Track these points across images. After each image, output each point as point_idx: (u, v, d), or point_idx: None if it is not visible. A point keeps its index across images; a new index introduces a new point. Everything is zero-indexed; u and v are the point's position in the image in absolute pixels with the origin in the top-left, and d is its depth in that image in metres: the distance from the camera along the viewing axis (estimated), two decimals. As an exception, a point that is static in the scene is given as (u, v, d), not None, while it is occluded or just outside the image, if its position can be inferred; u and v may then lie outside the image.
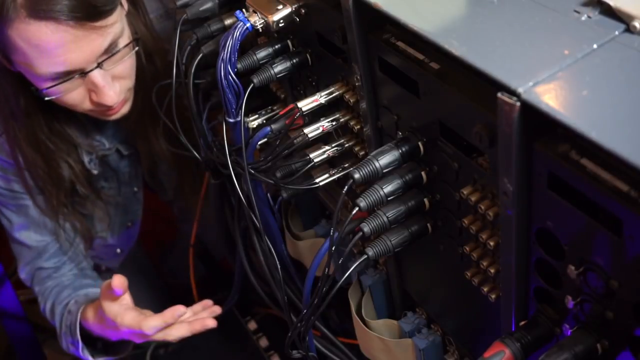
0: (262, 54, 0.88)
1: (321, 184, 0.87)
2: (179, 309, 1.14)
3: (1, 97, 1.14)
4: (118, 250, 1.54)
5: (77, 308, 1.25)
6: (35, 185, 1.24)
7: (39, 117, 1.17)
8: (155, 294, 1.74)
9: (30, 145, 1.18)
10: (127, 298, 1.15)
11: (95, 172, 1.30)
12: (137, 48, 1.11)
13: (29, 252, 1.35)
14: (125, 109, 1.15)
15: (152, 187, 1.52)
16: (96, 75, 1.04)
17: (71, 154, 1.25)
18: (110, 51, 1.04)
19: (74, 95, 1.07)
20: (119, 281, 1.09)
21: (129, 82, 1.13)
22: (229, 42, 0.83)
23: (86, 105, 1.10)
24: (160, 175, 1.47)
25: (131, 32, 1.11)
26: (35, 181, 1.24)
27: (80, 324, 1.24)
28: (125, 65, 1.09)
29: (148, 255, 1.79)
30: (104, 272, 1.58)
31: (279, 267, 1.00)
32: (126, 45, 1.07)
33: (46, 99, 1.07)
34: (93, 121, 1.26)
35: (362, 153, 0.85)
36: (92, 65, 1.03)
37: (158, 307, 1.72)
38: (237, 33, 0.83)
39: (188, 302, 1.54)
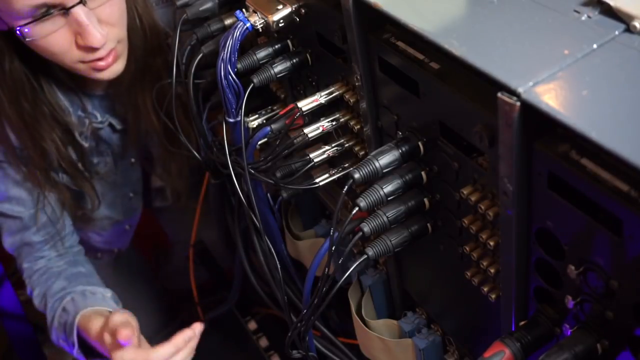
0: (262, 54, 0.88)
1: (321, 184, 0.87)
2: (188, 332, 1.12)
3: None
4: (127, 227, 1.52)
5: (74, 309, 1.21)
6: (20, 154, 1.20)
7: (24, 84, 1.12)
8: (155, 295, 1.74)
9: (15, 112, 1.13)
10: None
11: (86, 145, 1.26)
12: None
13: (14, 223, 1.28)
14: (118, 66, 1.09)
15: (147, 168, 1.50)
16: (79, 13, 0.98)
17: (56, 130, 1.19)
18: None
19: (59, 39, 1.01)
20: (126, 334, 1.05)
21: (119, 32, 1.06)
22: (229, 42, 0.83)
23: (74, 54, 1.03)
24: (155, 160, 1.43)
25: None
26: (20, 151, 1.19)
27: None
28: (113, 9, 1.04)
29: (145, 259, 1.78)
30: (116, 257, 1.57)
31: (279, 267, 1.00)
32: None
33: (28, 39, 1.01)
34: (84, 90, 1.23)
35: (362, 153, 0.85)
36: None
37: (158, 307, 1.72)
38: (237, 33, 0.83)
39: (189, 302, 1.54)
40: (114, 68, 1.09)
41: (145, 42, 1.17)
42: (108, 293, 1.27)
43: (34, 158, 1.20)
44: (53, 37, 1.01)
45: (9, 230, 1.29)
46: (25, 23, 0.99)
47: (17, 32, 1.00)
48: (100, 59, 1.05)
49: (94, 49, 1.03)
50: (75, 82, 1.21)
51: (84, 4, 0.99)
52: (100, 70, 1.07)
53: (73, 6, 0.98)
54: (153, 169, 1.47)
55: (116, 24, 1.06)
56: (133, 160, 1.42)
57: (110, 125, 1.31)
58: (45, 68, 1.15)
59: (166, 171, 1.41)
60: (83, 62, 1.05)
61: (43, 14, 0.98)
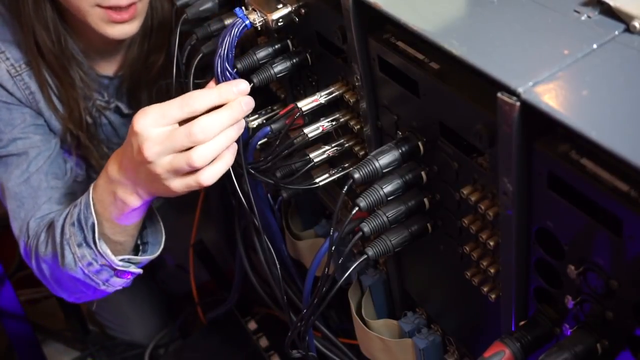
0: (262, 53, 0.88)
1: (321, 184, 0.87)
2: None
3: None
4: None
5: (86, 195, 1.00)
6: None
7: (59, 33, 1.11)
8: (153, 294, 1.74)
9: (52, 57, 1.12)
10: None
11: (89, 120, 1.21)
12: None
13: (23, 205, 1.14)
14: (131, 26, 1.07)
15: None
16: None
17: (73, 69, 1.16)
18: None
19: None
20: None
21: None
22: (227, 39, 0.83)
23: None
24: None
25: None
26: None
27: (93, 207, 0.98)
28: None
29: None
30: None
31: (277, 263, 1.00)
32: None
33: None
34: (96, 70, 1.22)
35: (362, 153, 0.85)
36: None
37: (157, 307, 1.72)
38: (235, 30, 0.83)
39: (189, 303, 1.54)
40: (126, 27, 1.06)
41: (159, 25, 1.15)
42: None
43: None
44: None
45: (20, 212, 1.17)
46: None
47: None
48: (119, 8, 1.03)
49: None
50: (88, 60, 1.19)
51: None
52: (113, 22, 1.05)
53: None
54: None
55: None
56: None
57: (117, 108, 1.27)
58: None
59: None
60: (100, 5, 1.02)
61: None
